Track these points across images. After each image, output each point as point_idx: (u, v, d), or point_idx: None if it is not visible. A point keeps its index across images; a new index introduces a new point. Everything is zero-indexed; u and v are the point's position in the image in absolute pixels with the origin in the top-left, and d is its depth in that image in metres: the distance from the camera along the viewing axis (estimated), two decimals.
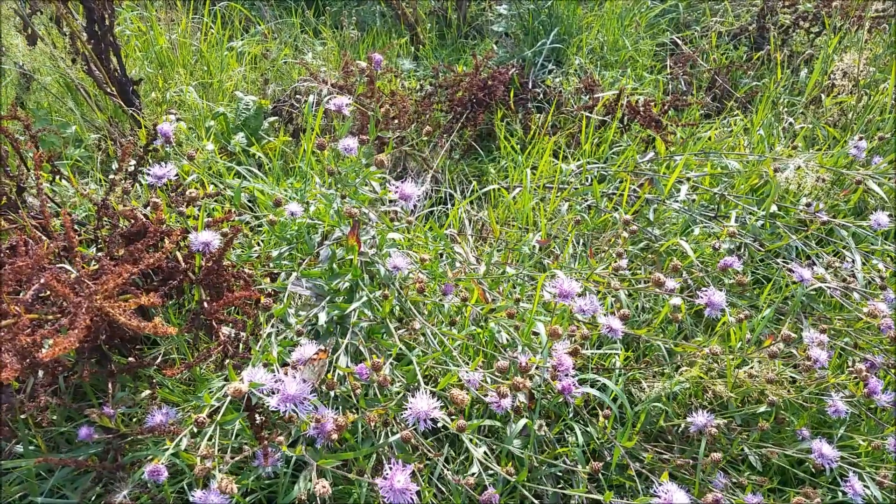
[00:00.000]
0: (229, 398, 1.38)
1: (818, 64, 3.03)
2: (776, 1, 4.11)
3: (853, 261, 2.02)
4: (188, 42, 3.38)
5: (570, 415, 1.76)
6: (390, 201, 1.88)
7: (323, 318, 1.73)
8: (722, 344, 1.86)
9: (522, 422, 1.56)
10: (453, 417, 1.36)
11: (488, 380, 1.37)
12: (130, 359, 1.51)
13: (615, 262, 1.66)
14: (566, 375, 1.30)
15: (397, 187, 1.47)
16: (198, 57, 3.41)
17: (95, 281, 1.27)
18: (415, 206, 2.87)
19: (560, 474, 1.69)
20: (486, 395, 1.39)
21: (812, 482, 1.68)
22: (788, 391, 1.65)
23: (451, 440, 1.83)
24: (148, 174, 1.56)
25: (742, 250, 2.16)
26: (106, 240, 1.64)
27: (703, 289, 1.50)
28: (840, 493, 1.64)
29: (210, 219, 1.57)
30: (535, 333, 1.52)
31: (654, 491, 1.15)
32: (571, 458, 1.54)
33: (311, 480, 1.50)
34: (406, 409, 1.19)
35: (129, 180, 2.46)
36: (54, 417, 1.64)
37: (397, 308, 1.91)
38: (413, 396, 1.20)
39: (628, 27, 4.19)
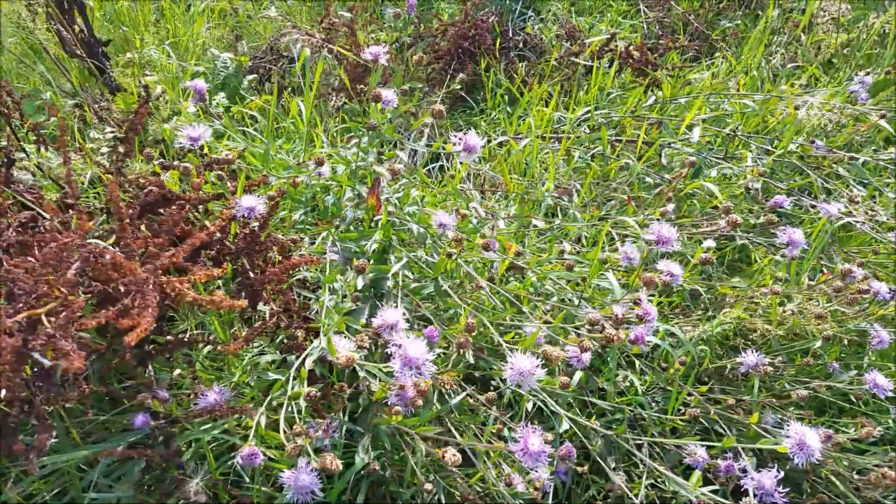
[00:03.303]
0: (293, 372, 1.31)
1: (810, 3, 3.04)
2: None
3: (873, 196, 2.04)
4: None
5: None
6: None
7: (360, 282, 1.65)
8: (756, 284, 1.86)
9: (578, 375, 1.53)
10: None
11: (560, 335, 1.32)
12: (169, 337, 1.41)
13: (663, 206, 1.63)
14: (649, 325, 1.27)
15: (461, 138, 1.39)
16: (158, 14, 3.19)
17: (150, 257, 1.16)
18: (415, 162, 2.78)
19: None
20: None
21: (854, 412, 1.71)
22: (831, 326, 1.66)
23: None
24: (180, 135, 1.43)
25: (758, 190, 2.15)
26: (122, 211, 1.51)
27: (783, 227, 1.47)
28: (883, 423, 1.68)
29: (248, 181, 1.46)
30: (599, 287, 1.48)
31: (785, 431, 1.13)
32: (636, 402, 1.52)
33: (368, 450, 1.44)
34: (508, 368, 1.14)
35: (112, 146, 2.29)
36: (79, 406, 1.53)
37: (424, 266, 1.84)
38: (512, 356, 1.14)
39: None
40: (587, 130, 2.60)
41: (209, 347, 1.65)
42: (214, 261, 1.45)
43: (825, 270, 1.76)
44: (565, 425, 1.24)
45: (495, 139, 2.53)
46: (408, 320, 1.58)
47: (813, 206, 1.95)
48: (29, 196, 1.70)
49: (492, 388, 1.82)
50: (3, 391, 1.12)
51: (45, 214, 1.54)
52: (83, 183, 2.00)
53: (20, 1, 2.46)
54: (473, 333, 1.22)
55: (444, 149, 1.56)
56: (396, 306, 1.51)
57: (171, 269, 1.34)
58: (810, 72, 2.60)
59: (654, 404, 1.67)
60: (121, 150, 2.02)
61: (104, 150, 2.31)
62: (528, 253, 1.91)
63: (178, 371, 1.59)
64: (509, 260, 1.70)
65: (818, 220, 1.98)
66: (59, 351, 1.01)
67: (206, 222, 1.42)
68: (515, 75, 3.17)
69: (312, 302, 1.73)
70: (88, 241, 1.29)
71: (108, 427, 1.46)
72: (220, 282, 1.73)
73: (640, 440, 1.43)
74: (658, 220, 1.69)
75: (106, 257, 1.14)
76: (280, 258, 1.58)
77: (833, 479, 1.49)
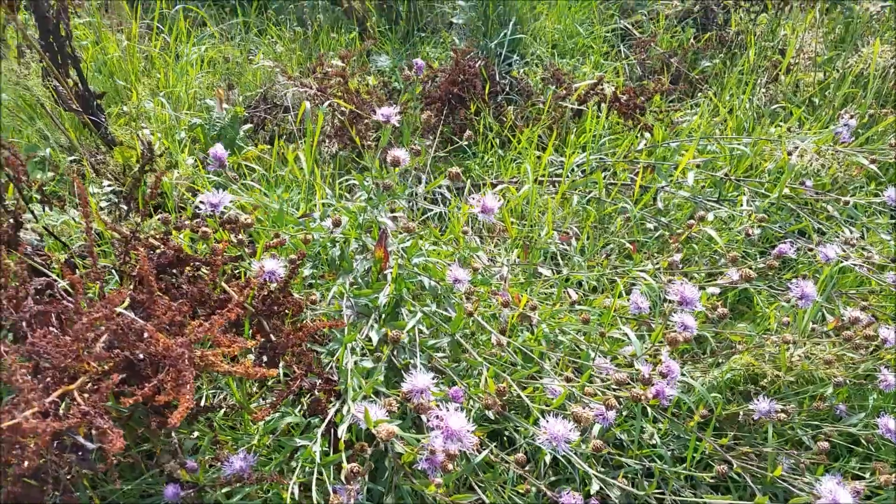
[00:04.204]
0: (319, 435, 1.30)
1: (791, 44, 3.14)
2: None
3: (863, 235, 2.10)
4: (134, 48, 3.15)
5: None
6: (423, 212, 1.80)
7: (375, 337, 1.65)
8: (762, 329, 1.90)
9: (596, 427, 1.55)
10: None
11: (574, 390, 1.34)
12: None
13: (670, 255, 1.66)
14: (672, 381, 1.29)
15: (479, 200, 1.41)
16: (148, 63, 3.20)
17: (174, 324, 1.16)
18: (412, 207, 2.80)
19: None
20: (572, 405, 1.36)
21: (863, 454, 1.74)
22: (840, 371, 1.69)
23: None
24: (200, 203, 1.44)
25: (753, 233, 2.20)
26: (153, 284, 1.51)
27: (795, 280, 1.51)
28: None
29: (270, 242, 1.47)
30: (616, 338, 1.50)
31: (817, 490, 1.14)
32: (656, 455, 1.53)
33: None
34: (542, 432, 1.14)
35: (117, 202, 2.28)
36: (102, 476, 1.50)
37: (436, 319, 1.85)
38: (545, 419, 1.15)
39: (577, 13, 4.22)
40: (581, 174, 2.64)
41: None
42: (235, 325, 1.44)
43: (827, 315, 1.80)
44: (595, 486, 1.25)
45: (502, 185, 2.56)
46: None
47: (810, 250, 1.99)
48: (38, 259, 1.69)
49: (504, 437, 1.82)
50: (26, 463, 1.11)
51: (55, 277, 1.53)
52: (86, 240, 1.98)
53: (14, 58, 2.46)
54: (504, 398, 1.23)
55: (460, 209, 1.59)
56: (416, 363, 1.51)
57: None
58: (797, 115, 2.68)
59: (669, 451, 1.68)
60: (123, 206, 2.01)
61: (103, 203, 2.30)
62: (536, 300, 1.93)
63: (196, 433, 1.58)
64: (521, 312, 1.71)
65: (815, 262, 2.03)
66: (97, 429, 1.00)
67: (224, 285, 1.42)
68: (505, 118, 3.22)
69: (324, 356, 1.73)
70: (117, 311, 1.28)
71: (127, 494, 1.43)
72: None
73: (664, 496, 1.44)
74: (664, 270, 1.72)
75: (138, 329, 1.13)
76: (293, 315, 1.58)
77: None
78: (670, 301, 1.34)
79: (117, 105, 2.85)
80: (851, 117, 2.32)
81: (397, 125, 1.53)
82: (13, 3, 2.42)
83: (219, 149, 1.50)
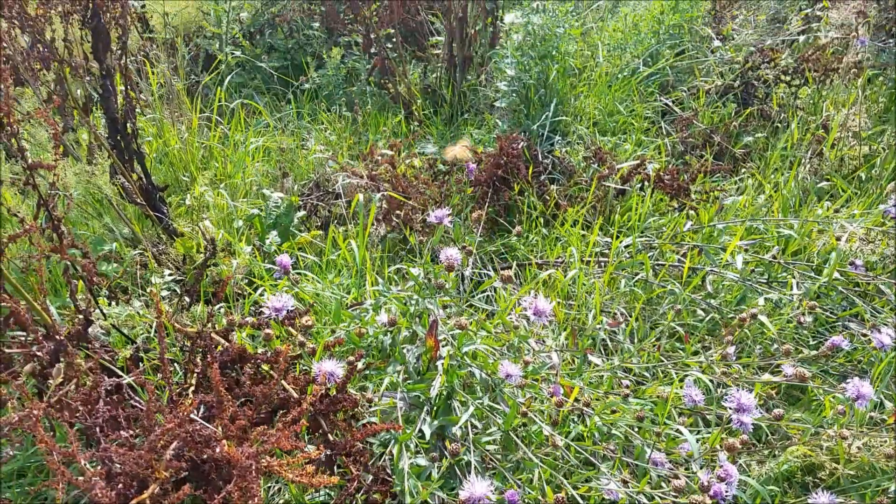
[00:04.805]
0: None
1: (835, 121, 3.16)
2: (756, 57, 4.30)
3: None
4: (194, 140, 3.32)
5: None
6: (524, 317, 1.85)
7: (427, 430, 1.68)
8: (818, 421, 1.86)
9: None
10: None
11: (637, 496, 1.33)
12: None
13: (723, 348, 1.66)
14: (730, 484, 1.28)
15: (531, 303, 1.45)
16: (207, 154, 3.36)
17: (238, 428, 1.20)
18: (459, 290, 2.84)
19: None
20: None
21: None
22: None
23: None
24: (265, 307, 1.51)
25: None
26: (223, 395, 1.57)
27: (849, 380, 1.50)
28: None
29: (329, 341, 1.52)
30: (671, 434, 1.50)
31: None
32: None
33: None
34: None
35: (179, 293, 2.37)
36: None
37: (487, 411, 1.86)
38: None
39: (617, 92, 4.31)
40: (628, 256, 2.66)
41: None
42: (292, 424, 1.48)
43: (886, 401, 1.77)
44: None
45: (549, 271, 2.59)
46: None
47: (864, 335, 1.97)
48: (105, 356, 1.77)
49: None
50: None
51: (122, 375, 1.60)
52: (149, 332, 2.07)
53: (84, 157, 2.62)
54: None
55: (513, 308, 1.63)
56: (469, 460, 1.53)
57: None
58: (848, 193, 2.68)
59: None
60: (186, 298, 2.10)
61: (164, 292, 2.40)
62: (588, 392, 1.93)
63: None
64: (572, 404, 1.72)
65: (869, 346, 2.00)
66: None
67: (285, 384, 1.47)
68: (548, 197, 3.27)
69: (376, 447, 1.75)
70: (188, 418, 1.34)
71: None
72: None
73: None
74: (718, 362, 1.72)
75: (206, 435, 1.18)
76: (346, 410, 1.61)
77: None
78: (727, 407, 1.34)
79: (178, 195, 3.00)
80: None
81: (449, 225, 1.59)
82: (87, 107, 2.60)
83: (284, 258, 1.58)
